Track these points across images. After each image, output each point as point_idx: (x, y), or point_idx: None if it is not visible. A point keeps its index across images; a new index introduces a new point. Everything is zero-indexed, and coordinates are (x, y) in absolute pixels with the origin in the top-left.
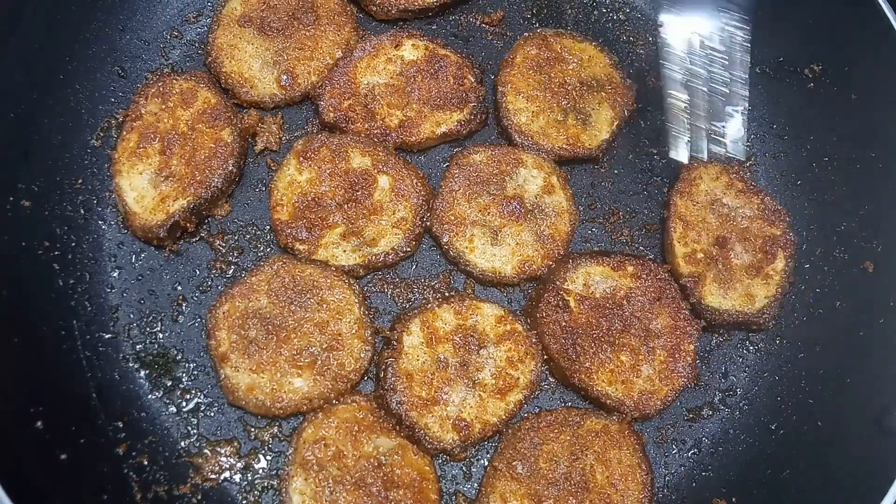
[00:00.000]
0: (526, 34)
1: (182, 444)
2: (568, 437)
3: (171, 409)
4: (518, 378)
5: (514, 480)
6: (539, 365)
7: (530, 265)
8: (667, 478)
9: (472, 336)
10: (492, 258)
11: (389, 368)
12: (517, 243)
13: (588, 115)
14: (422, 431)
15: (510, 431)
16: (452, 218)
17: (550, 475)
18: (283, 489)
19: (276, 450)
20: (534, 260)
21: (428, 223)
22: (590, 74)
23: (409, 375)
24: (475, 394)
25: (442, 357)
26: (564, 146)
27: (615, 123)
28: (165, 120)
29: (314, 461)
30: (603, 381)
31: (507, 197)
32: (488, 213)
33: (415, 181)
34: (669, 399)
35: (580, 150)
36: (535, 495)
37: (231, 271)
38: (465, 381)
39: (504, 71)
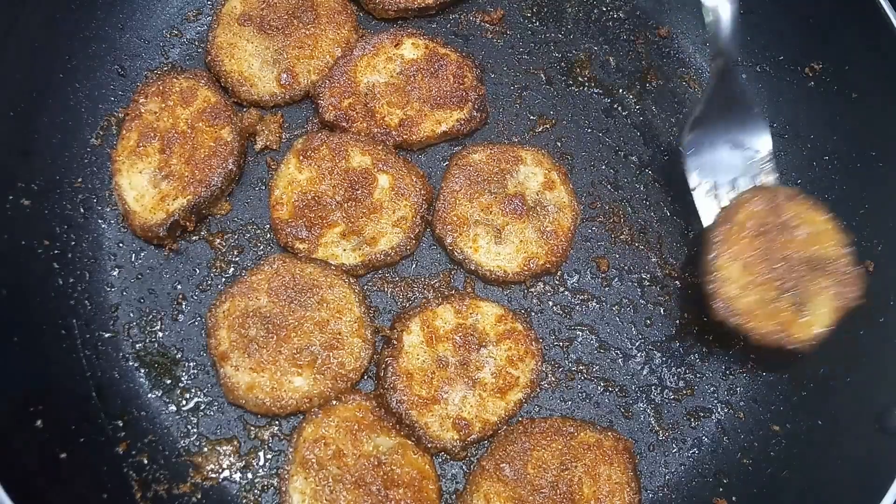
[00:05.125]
0: (751, 190)
1: (182, 442)
2: (560, 447)
3: (170, 407)
4: (518, 377)
5: (499, 482)
6: (539, 364)
7: (535, 261)
8: (667, 477)
9: (472, 335)
10: (497, 257)
11: (389, 367)
12: (521, 240)
13: (805, 302)
14: (422, 430)
15: (503, 433)
16: (455, 219)
17: (537, 482)
18: (283, 488)
19: (276, 449)
20: (538, 256)
21: (430, 225)
22: (817, 253)
23: (409, 374)
24: (475, 393)
25: (442, 356)
26: (772, 332)
27: (836, 316)
28: (165, 119)
29: (314, 460)
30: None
31: (509, 195)
32: (490, 212)
33: (415, 180)
34: None
35: (789, 341)
36: (518, 499)
37: (231, 270)
38: (466, 380)
39: (720, 227)
